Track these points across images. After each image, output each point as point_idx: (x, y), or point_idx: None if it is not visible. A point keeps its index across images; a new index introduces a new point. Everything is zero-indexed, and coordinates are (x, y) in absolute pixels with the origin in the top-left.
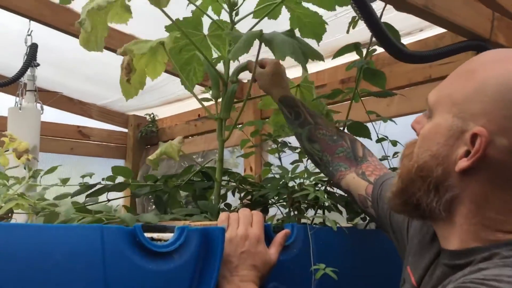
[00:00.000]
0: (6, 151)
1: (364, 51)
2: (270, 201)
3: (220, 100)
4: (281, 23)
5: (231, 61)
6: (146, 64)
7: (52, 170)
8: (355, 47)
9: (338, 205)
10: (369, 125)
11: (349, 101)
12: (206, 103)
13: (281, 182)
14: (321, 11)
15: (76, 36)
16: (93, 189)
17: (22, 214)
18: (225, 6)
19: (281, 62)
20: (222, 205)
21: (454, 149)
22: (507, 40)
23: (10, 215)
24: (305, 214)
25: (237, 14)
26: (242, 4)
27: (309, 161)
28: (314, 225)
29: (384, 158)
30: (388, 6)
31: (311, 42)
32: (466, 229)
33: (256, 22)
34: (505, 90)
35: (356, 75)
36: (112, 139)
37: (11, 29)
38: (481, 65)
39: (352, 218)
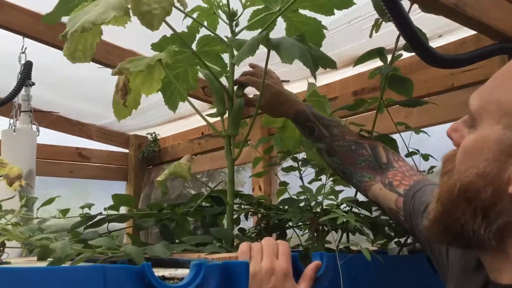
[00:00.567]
0: None
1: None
2: (288, 224)
3: (226, 116)
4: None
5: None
6: (142, 82)
7: (49, 202)
8: (378, 52)
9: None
10: (396, 137)
11: (366, 113)
12: (210, 119)
13: (301, 204)
14: (329, 21)
15: None
16: (94, 220)
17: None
18: (224, 18)
19: (271, 75)
20: (236, 231)
21: (506, 166)
22: None
23: (1, 248)
24: (326, 238)
25: (237, 25)
26: (242, 13)
27: (330, 179)
28: (340, 250)
29: None
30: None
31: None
32: None
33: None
34: None
35: (381, 83)
36: (113, 160)
37: (4, 47)
38: None
39: (377, 240)
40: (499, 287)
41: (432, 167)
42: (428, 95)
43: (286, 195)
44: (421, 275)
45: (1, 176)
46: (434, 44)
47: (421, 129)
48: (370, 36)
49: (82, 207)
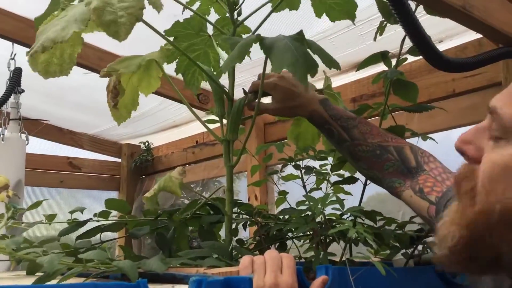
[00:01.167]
0: None
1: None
2: (288, 236)
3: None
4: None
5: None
6: (139, 81)
7: (36, 205)
8: (382, 56)
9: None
10: None
11: (368, 119)
12: (208, 125)
13: (303, 215)
14: (329, 25)
15: None
16: (84, 226)
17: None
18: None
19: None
20: (234, 242)
21: None
22: None
23: None
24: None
25: (239, 14)
26: (243, 2)
27: (333, 187)
28: (343, 262)
29: None
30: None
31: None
32: None
33: (262, 20)
34: None
35: (385, 88)
36: (105, 170)
37: None
38: None
39: (382, 251)
40: None
41: None
42: (429, 101)
43: (285, 205)
44: (429, 287)
45: None
46: None
47: (428, 135)
48: (375, 39)
49: (72, 212)
